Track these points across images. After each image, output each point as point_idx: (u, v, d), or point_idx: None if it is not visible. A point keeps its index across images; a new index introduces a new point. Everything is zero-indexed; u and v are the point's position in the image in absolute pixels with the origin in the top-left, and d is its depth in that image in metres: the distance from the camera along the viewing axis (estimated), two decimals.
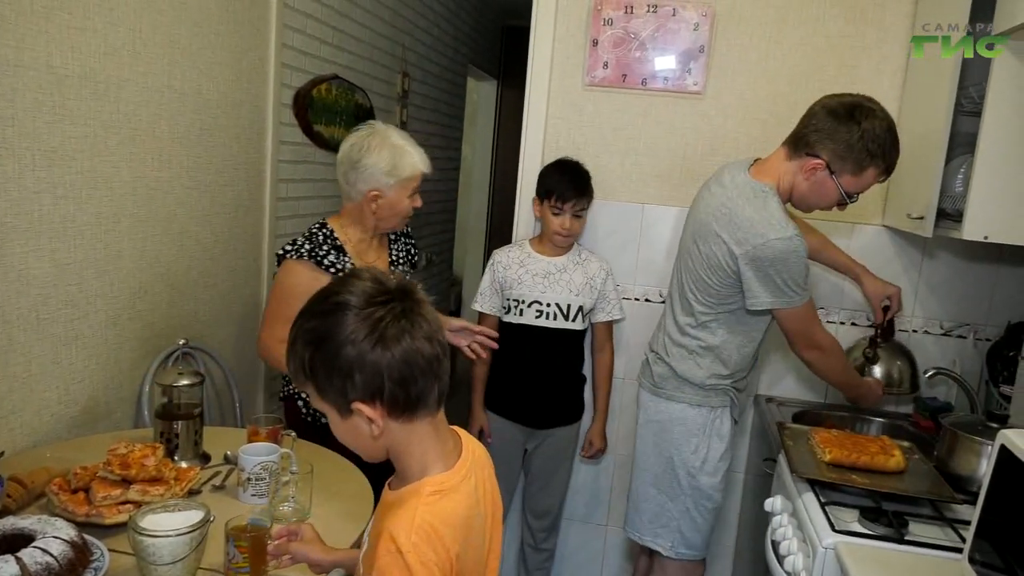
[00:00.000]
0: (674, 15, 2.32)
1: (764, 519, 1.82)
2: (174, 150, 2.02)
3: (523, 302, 2.28)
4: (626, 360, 2.49)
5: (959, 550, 1.37)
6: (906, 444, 1.86)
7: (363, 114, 3.21)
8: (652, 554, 2.15)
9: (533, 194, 2.34)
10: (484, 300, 2.35)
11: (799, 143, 1.79)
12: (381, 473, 1.12)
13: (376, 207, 1.93)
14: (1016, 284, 2.29)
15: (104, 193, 1.78)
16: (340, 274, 1.88)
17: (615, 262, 2.42)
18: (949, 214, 1.91)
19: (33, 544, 1.12)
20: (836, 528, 1.50)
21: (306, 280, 1.83)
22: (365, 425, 0.97)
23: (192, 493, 1.49)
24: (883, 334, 2.17)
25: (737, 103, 2.35)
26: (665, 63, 2.35)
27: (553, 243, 2.30)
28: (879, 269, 2.23)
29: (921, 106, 2.10)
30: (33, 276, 1.60)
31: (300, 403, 2.01)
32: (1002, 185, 1.74)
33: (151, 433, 1.70)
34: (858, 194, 1.79)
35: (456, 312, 5.73)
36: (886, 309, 2.13)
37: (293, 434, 1.72)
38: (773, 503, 1.78)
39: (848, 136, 1.71)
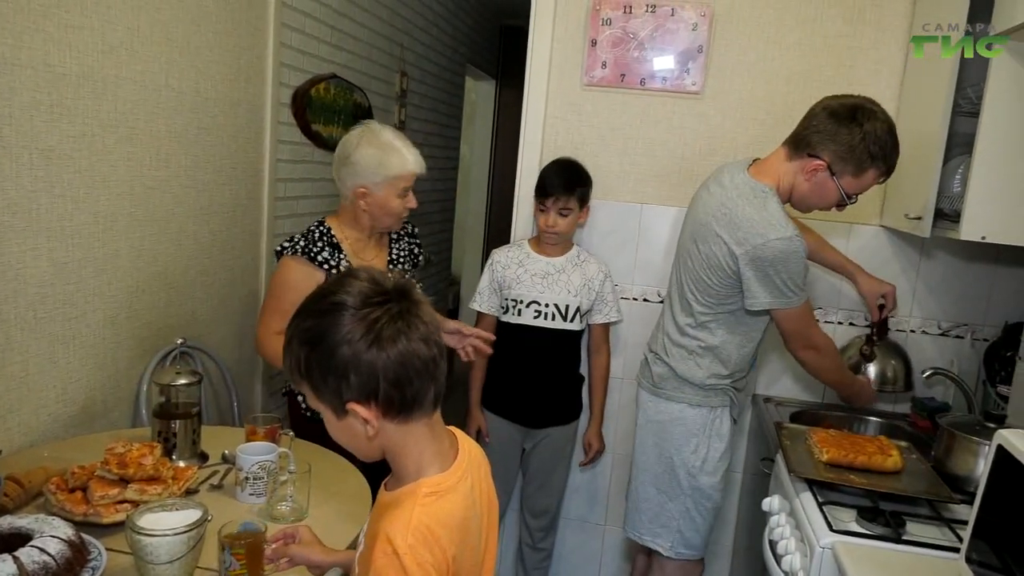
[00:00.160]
0: (672, 15, 2.32)
1: (762, 519, 1.83)
2: (172, 149, 2.02)
3: (521, 302, 2.28)
4: (625, 360, 2.49)
5: (956, 550, 1.37)
6: (903, 444, 1.86)
7: (361, 113, 3.20)
8: (650, 553, 2.15)
9: (532, 194, 2.34)
10: (482, 300, 2.35)
11: (800, 144, 1.79)
12: (379, 473, 1.12)
13: (365, 204, 1.94)
14: (1014, 284, 2.30)
15: (101, 192, 1.78)
16: (335, 271, 1.89)
17: (613, 262, 2.43)
18: (947, 214, 1.91)
19: (31, 543, 1.12)
20: (834, 528, 1.50)
21: (299, 276, 1.86)
22: (360, 426, 0.96)
23: (190, 492, 1.49)
24: (878, 332, 2.18)
25: (735, 103, 2.35)
26: (663, 63, 2.35)
27: (543, 241, 2.30)
28: (877, 269, 2.24)
29: (919, 107, 2.10)
30: (30, 275, 1.60)
31: (301, 399, 2.01)
32: (1000, 185, 1.75)
33: (149, 432, 1.69)
34: (857, 195, 1.79)
35: (454, 311, 5.73)
36: (881, 307, 2.14)
37: (291, 433, 1.72)
38: (771, 503, 1.78)
39: (850, 138, 1.71)
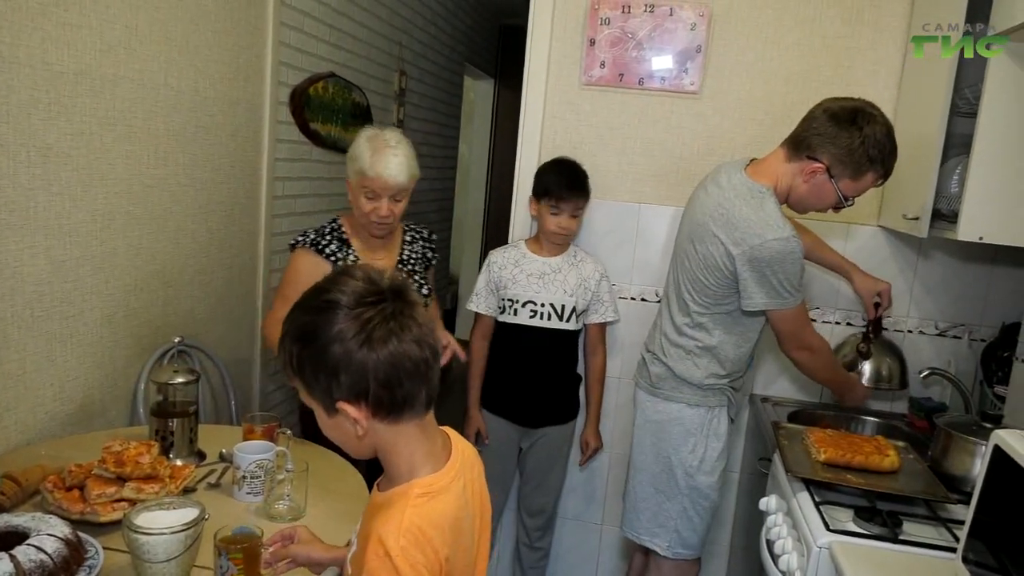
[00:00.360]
0: (671, 15, 2.32)
1: (759, 518, 1.83)
2: (170, 148, 2.02)
3: (517, 302, 2.28)
4: (622, 360, 2.50)
5: (953, 550, 1.37)
6: (900, 444, 1.86)
7: (360, 112, 3.20)
8: (647, 553, 2.15)
9: (530, 193, 2.33)
10: (480, 300, 2.34)
11: (800, 146, 1.79)
12: (377, 472, 1.12)
13: (351, 197, 1.96)
14: (1011, 285, 2.30)
15: (99, 190, 1.78)
16: (341, 264, 1.91)
17: (611, 261, 2.43)
18: (944, 215, 1.91)
19: (27, 542, 1.12)
20: (831, 527, 1.50)
21: (308, 266, 1.91)
22: (349, 425, 0.96)
23: (187, 491, 1.49)
24: (874, 329, 2.18)
25: (733, 103, 2.35)
26: (662, 63, 2.35)
27: (550, 242, 2.30)
28: (874, 269, 2.24)
29: (917, 107, 2.10)
30: (27, 273, 1.60)
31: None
32: (997, 186, 1.75)
33: (146, 431, 1.69)
34: (854, 198, 1.80)
35: (452, 311, 5.73)
36: (877, 305, 2.15)
37: (289, 432, 1.72)
38: (768, 502, 1.78)
39: (850, 141, 1.71)
